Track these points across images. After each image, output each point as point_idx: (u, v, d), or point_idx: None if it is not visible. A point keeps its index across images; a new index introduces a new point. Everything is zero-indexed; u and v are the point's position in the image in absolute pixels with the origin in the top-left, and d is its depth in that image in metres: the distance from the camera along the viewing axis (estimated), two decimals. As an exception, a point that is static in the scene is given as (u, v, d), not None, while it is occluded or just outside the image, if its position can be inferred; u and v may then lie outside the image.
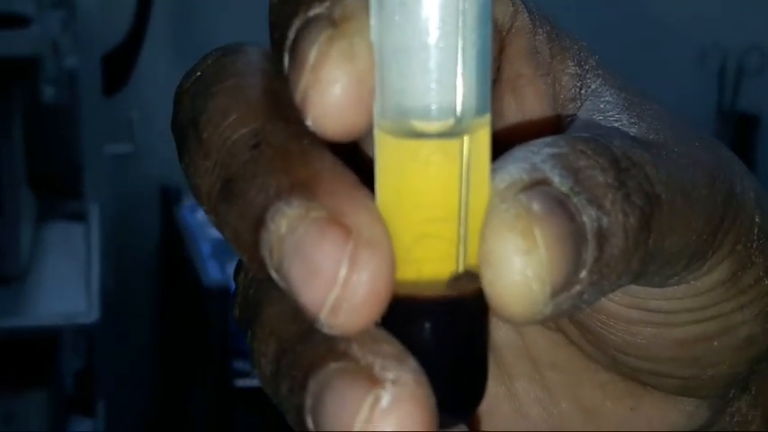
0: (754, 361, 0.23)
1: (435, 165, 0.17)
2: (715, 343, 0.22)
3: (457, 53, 0.17)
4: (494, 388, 0.24)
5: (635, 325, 0.22)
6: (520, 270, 0.17)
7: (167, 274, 1.65)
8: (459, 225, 0.18)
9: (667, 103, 0.23)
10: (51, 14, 1.23)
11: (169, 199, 1.61)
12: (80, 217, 1.39)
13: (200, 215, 1.53)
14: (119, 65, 1.42)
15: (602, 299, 0.22)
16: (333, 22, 0.18)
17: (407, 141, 0.18)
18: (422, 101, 0.17)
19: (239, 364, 1.34)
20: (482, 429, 0.20)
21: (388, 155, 0.18)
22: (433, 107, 0.17)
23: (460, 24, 0.17)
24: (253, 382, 1.33)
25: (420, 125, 0.17)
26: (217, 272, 1.38)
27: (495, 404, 0.25)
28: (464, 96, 0.17)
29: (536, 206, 0.17)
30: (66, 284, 1.27)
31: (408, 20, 0.17)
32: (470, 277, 0.18)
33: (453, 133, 0.17)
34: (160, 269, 1.69)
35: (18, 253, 1.26)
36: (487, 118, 0.18)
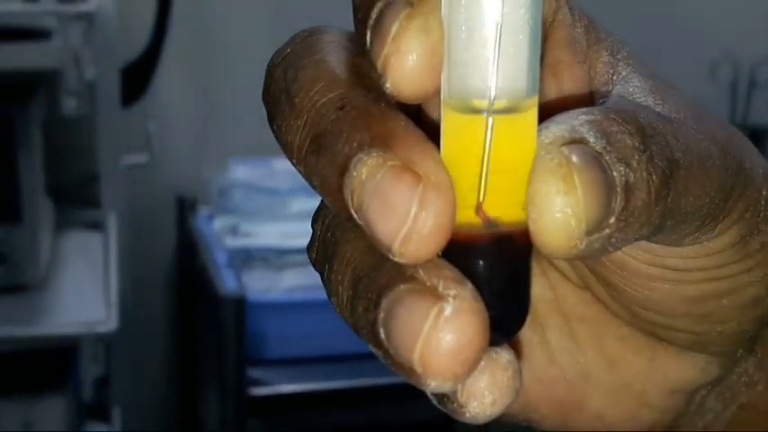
0: (759, 320, 0.26)
1: (492, 132, 0.21)
2: (724, 301, 0.25)
3: (513, 32, 0.20)
4: (529, 336, 0.28)
5: (653, 281, 0.25)
6: (560, 208, 0.20)
7: (183, 283, 1.66)
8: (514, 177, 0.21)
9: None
10: (72, 27, 1.24)
11: (185, 209, 1.63)
12: (98, 226, 1.40)
13: (216, 224, 1.54)
14: (137, 76, 1.43)
15: (626, 257, 0.25)
16: (410, 2, 0.21)
17: (467, 116, 0.21)
18: (481, 80, 0.21)
19: (255, 373, 1.35)
20: (521, 359, 0.23)
21: (452, 125, 0.21)
22: (490, 87, 0.21)
23: (517, 8, 0.20)
24: (268, 391, 1.34)
25: (477, 103, 0.21)
26: (232, 281, 1.39)
27: (530, 350, 0.28)
28: (515, 75, 0.21)
29: (575, 158, 0.20)
30: (84, 293, 1.28)
31: (472, 2, 0.20)
32: (518, 221, 0.21)
33: (508, 110, 0.21)
34: (176, 278, 1.70)
35: (37, 261, 1.28)
36: (535, 99, 0.21)
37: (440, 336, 0.19)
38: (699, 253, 0.24)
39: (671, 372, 0.27)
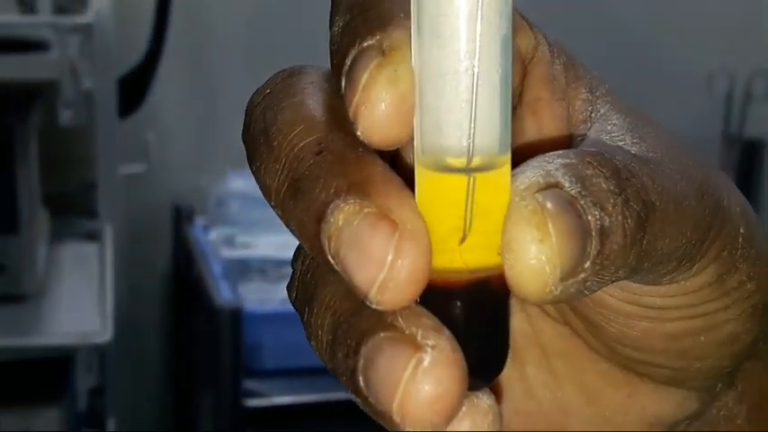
0: (737, 356, 0.26)
1: (463, 190, 0.21)
2: (702, 338, 0.25)
3: (485, 88, 0.20)
4: (507, 371, 0.28)
5: (631, 319, 0.25)
6: (535, 255, 0.20)
7: (179, 294, 1.66)
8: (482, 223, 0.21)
9: (674, 128, 0.25)
10: (69, 39, 1.25)
11: (182, 219, 1.63)
12: (94, 236, 1.41)
13: (212, 235, 1.54)
14: (134, 87, 1.44)
15: (604, 295, 0.25)
16: (382, 51, 0.21)
17: (441, 174, 0.21)
18: (453, 137, 0.21)
19: (250, 384, 1.35)
20: (501, 402, 0.23)
21: (425, 181, 0.21)
22: (462, 144, 0.21)
23: (490, 63, 0.20)
24: (263, 402, 1.34)
25: (451, 161, 0.21)
26: (228, 292, 1.39)
27: (508, 385, 0.28)
28: (488, 132, 0.21)
29: (549, 204, 0.20)
30: (80, 303, 1.28)
31: (443, 52, 0.20)
32: (494, 266, 0.21)
33: (482, 168, 0.21)
34: (172, 288, 1.70)
35: (33, 272, 1.28)
36: (508, 156, 0.21)
37: (418, 387, 0.20)
38: (676, 291, 0.24)
39: (650, 406, 0.27)
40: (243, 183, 1.57)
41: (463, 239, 0.21)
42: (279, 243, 1.46)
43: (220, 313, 1.33)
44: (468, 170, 0.20)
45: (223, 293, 1.37)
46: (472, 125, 0.20)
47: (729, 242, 0.24)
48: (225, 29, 1.68)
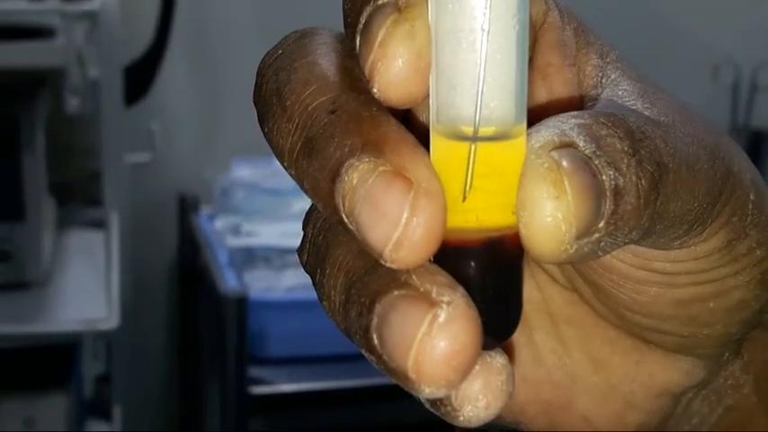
0: (745, 324, 0.26)
1: (475, 156, 0.21)
2: (711, 304, 0.25)
3: (501, 46, 0.20)
4: (515, 337, 0.27)
5: (641, 284, 0.25)
6: (551, 212, 0.20)
7: (185, 282, 1.66)
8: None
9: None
10: (76, 26, 1.25)
11: (187, 208, 1.63)
12: (100, 224, 1.41)
13: (218, 224, 1.55)
14: (140, 76, 1.44)
15: (614, 260, 0.25)
16: (398, 8, 0.21)
17: (456, 142, 0.21)
18: (468, 104, 0.20)
19: (256, 372, 1.35)
20: (513, 362, 0.23)
21: (440, 147, 0.21)
22: (473, 114, 0.21)
23: (506, 19, 0.20)
24: (269, 390, 1.35)
25: (466, 129, 0.21)
26: (233, 280, 1.39)
27: (516, 351, 0.28)
28: (503, 101, 0.21)
29: (565, 162, 0.20)
30: (86, 291, 1.28)
31: (459, 8, 0.20)
32: (508, 226, 0.21)
33: (497, 137, 0.21)
34: (177, 277, 1.70)
35: (40, 259, 1.28)
36: (524, 126, 0.21)
37: (434, 343, 0.19)
38: (686, 256, 0.24)
39: (657, 374, 0.27)
40: (248, 172, 1.57)
41: (463, 199, 0.21)
42: (284, 231, 1.46)
43: (226, 301, 1.33)
44: (475, 138, 0.20)
45: (228, 281, 1.37)
46: (481, 84, 0.20)
47: (740, 207, 0.24)
48: (230, 18, 1.68)
